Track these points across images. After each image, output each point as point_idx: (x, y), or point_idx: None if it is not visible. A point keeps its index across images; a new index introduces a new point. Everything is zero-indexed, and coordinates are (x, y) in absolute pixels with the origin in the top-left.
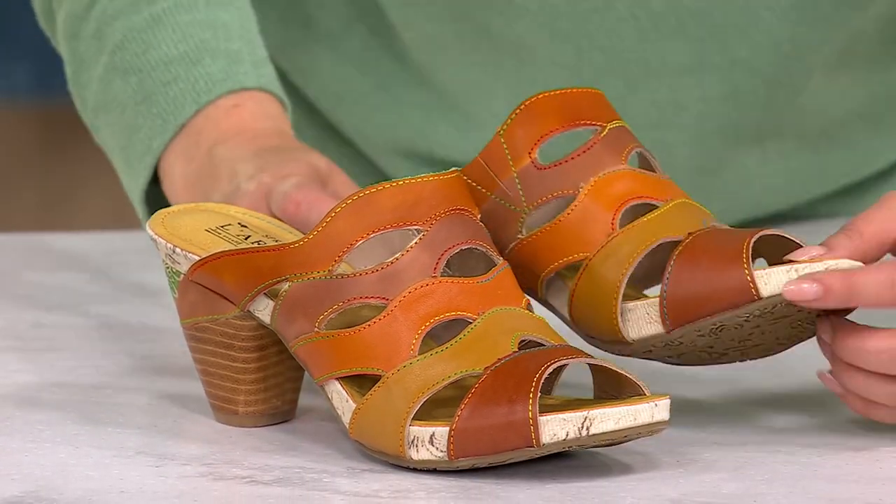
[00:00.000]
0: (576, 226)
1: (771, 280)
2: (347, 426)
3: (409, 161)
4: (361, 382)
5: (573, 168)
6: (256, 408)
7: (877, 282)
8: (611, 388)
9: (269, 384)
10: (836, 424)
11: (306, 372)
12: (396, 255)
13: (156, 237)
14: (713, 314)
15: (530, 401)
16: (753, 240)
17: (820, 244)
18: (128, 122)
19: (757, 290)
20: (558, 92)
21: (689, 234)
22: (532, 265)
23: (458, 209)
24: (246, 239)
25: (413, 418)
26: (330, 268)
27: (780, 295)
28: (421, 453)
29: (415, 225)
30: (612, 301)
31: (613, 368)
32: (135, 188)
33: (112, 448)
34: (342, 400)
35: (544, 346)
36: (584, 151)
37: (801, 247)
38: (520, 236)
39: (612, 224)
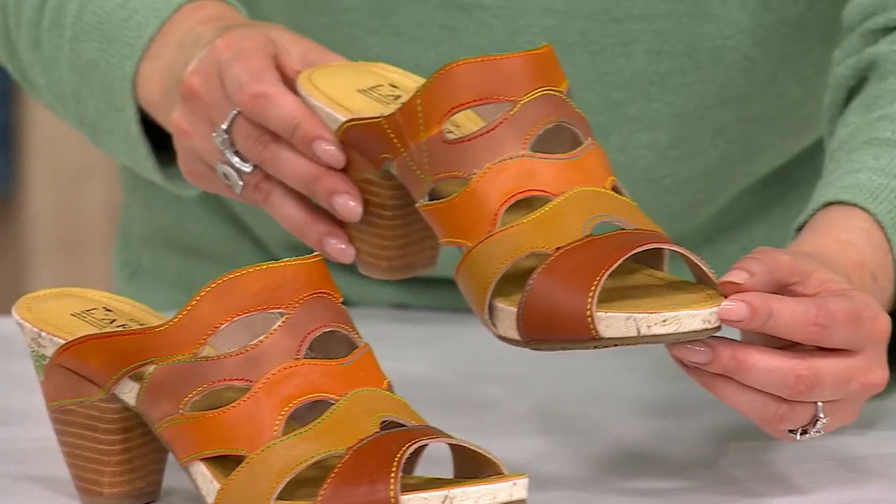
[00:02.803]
0: (463, 211)
1: (612, 324)
2: None
3: None
4: (225, 463)
5: (473, 149)
6: (121, 489)
7: (793, 311)
8: (470, 468)
9: (134, 465)
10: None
11: (170, 453)
12: (260, 338)
13: (21, 321)
14: (558, 340)
15: (391, 480)
16: (610, 270)
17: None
18: (103, 71)
19: (597, 332)
20: (481, 60)
21: (558, 248)
22: (433, 228)
23: (320, 293)
24: (111, 323)
25: (276, 499)
26: (194, 351)
27: (620, 338)
28: None
29: (278, 308)
30: (481, 298)
31: (473, 448)
32: (129, 130)
33: None
34: (206, 481)
35: (405, 426)
36: (488, 132)
37: (700, 266)
38: (422, 202)
39: (494, 220)
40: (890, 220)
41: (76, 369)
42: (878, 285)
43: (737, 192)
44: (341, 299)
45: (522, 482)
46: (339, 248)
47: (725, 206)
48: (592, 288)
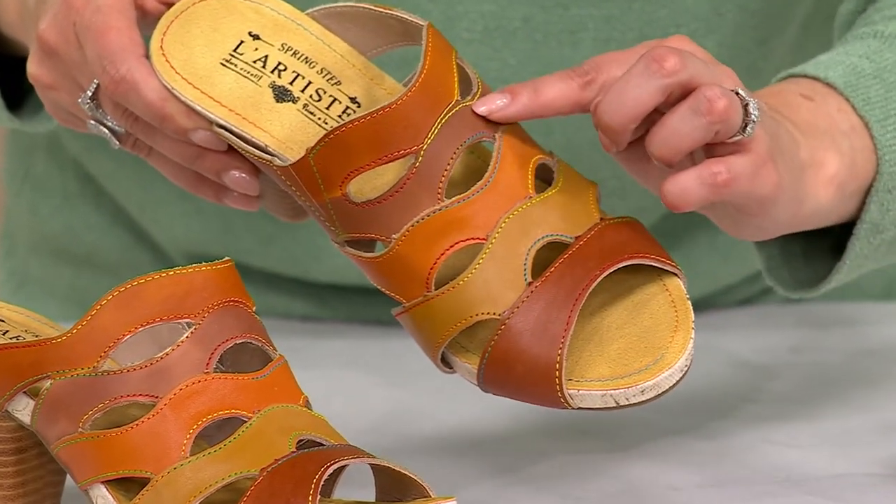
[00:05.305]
0: (392, 273)
1: (587, 399)
2: None
3: None
4: (129, 486)
5: (386, 212)
6: None
7: (555, 76)
8: (394, 490)
9: (29, 489)
10: None
11: (69, 475)
12: (166, 350)
13: None
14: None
15: None
16: (564, 354)
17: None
18: None
19: (570, 405)
20: (370, 117)
21: (510, 313)
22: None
23: (232, 301)
24: (3, 334)
25: None
26: (95, 364)
27: (598, 408)
28: None
29: (185, 318)
30: (431, 355)
31: (397, 469)
32: None
33: None
34: None
35: (323, 445)
36: (398, 192)
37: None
38: (341, 247)
39: (428, 283)
40: (843, 83)
41: None
42: (815, 104)
43: None
44: (254, 308)
45: None
46: (243, 179)
47: (668, 212)
48: (557, 372)
